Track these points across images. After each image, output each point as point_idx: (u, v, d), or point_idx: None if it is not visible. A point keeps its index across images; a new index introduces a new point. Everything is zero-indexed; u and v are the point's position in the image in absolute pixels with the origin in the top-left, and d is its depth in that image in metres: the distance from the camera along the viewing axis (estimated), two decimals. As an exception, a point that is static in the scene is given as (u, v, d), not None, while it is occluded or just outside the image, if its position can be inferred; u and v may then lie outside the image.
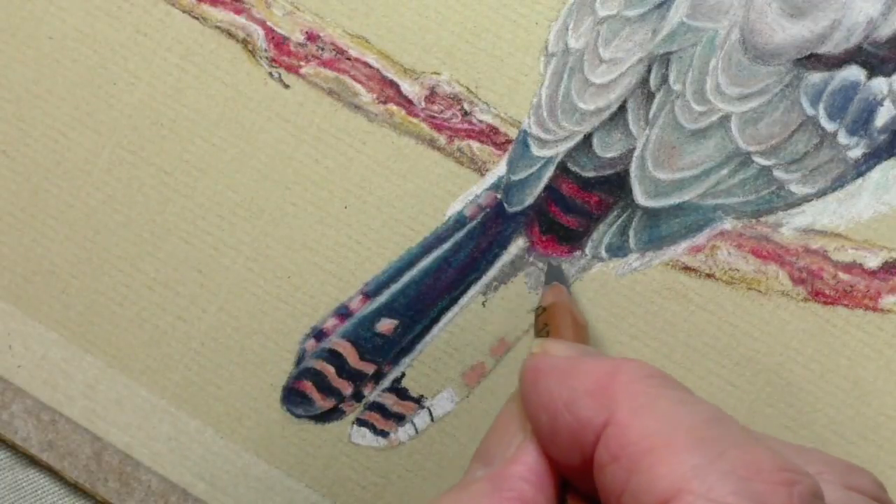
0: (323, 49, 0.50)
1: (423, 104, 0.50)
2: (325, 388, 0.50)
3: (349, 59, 0.50)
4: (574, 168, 0.49)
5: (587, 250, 0.49)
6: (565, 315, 0.42)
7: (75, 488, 0.52)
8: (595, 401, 0.37)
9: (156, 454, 0.51)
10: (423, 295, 0.50)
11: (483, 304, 0.50)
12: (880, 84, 0.47)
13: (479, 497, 0.38)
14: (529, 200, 0.49)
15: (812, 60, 0.47)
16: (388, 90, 0.50)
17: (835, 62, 0.47)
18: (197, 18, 0.51)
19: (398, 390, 0.50)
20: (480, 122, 0.50)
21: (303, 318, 0.50)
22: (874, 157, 0.48)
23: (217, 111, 0.51)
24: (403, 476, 0.50)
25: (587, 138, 0.49)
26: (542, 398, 0.38)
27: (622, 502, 0.35)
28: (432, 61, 0.50)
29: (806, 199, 0.48)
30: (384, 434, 0.50)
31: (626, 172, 0.48)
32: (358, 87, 0.50)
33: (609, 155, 0.49)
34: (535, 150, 0.49)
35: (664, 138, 0.48)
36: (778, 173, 0.48)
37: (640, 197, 0.48)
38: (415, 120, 0.50)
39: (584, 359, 0.38)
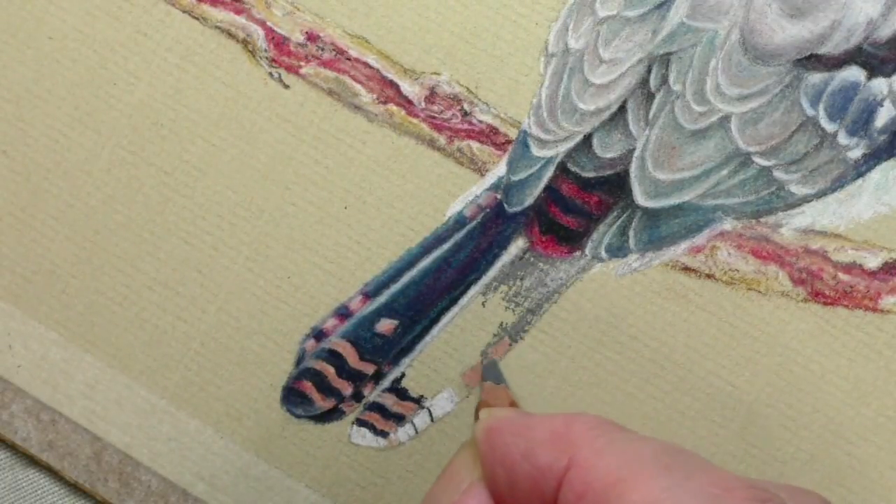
0: (323, 49, 0.50)
1: (423, 104, 0.50)
2: (325, 388, 0.50)
3: (349, 59, 0.50)
4: (574, 168, 0.49)
5: (587, 250, 0.49)
6: (504, 401, 0.43)
7: (75, 488, 0.52)
8: (553, 448, 0.37)
9: (156, 454, 0.51)
10: (423, 295, 0.50)
11: (483, 304, 0.50)
12: (880, 85, 0.47)
13: None
14: (529, 201, 0.49)
15: (812, 61, 0.47)
16: (388, 90, 0.50)
17: (835, 63, 0.47)
18: (197, 18, 0.51)
19: (398, 390, 0.50)
20: (480, 122, 0.50)
21: (303, 318, 0.50)
22: (874, 158, 0.48)
23: (217, 111, 0.51)
24: (403, 476, 0.50)
25: (587, 139, 0.49)
26: (498, 453, 0.38)
27: None
28: (432, 61, 0.50)
29: (806, 199, 0.48)
30: (384, 434, 0.50)
31: (626, 173, 0.48)
32: (358, 87, 0.50)
33: (609, 155, 0.49)
34: (535, 151, 0.49)
35: (664, 139, 0.48)
36: (778, 174, 0.48)
37: (639, 197, 0.48)
38: (415, 120, 0.50)
39: (536, 415, 0.39)
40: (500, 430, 0.39)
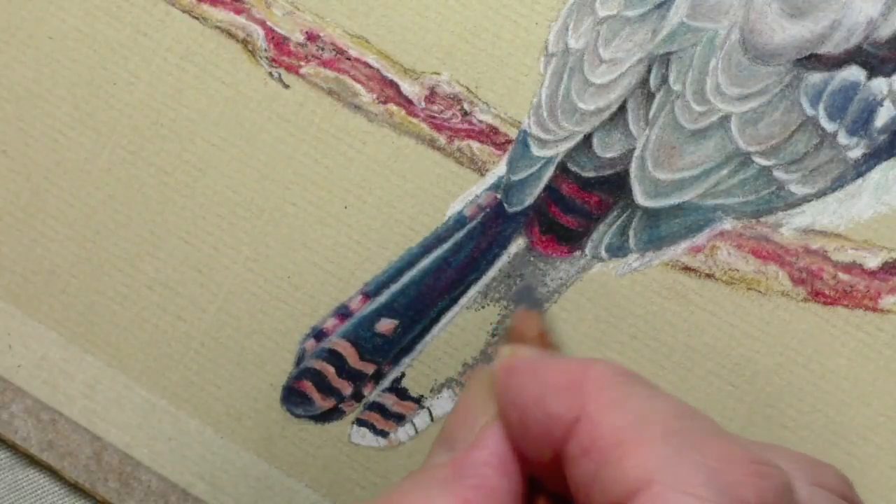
0: (323, 49, 0.50)
1: (423, 104, 0.50)
2: (325, 388, 0.50)
3: (349, 59, 0.50)
4: (574, 168, 0.49)
5: (587, 250, 0.49)
6: (533, 330, 0.42)
7: (75, 488, 0.52)
8: (566, 396, 0.37)
9: (156, 454, 0.51)
10: (423, 295, 0.50)
11: (483, 304, 0.50)
12: (880, 84, 0.47)
13: (441, 484, 0.37)
14: (529, 200, 0.49)
15: (812, 61, 0.47)
16: (388, 90, 0.50)
17: (835, 62, 0.47)
18: (197, 18, 0.51)
19: (398, 390, 0.50)
20: (480, 122, 0.50)
21: (303, 318, 0.50)
22: (874, 158, 0.48)
23: (217, 111, 0.51)
24: (403, 476, 0.50)
25: (587, 138, 0.49)
26: (513, 395, 0.38)
27: (592, 495, 0.35)
28: (432, 61, 0.50)
29: (806, 199, 0.48)
30: (384, 434, 0.50)
31: (626, 172, 0.48)
32: (358, 87, 0.50)
33: (609, 155, 0.49)
34: (535, 150, 0.49)
35: (664, 138, 0.48)
36: (778, 173, 0.48)
37: (639, 197, 0.48)
38: (415, 120, 0.50)
39: (555, 358, 0.38)
40: (517, 370, 0.38)
